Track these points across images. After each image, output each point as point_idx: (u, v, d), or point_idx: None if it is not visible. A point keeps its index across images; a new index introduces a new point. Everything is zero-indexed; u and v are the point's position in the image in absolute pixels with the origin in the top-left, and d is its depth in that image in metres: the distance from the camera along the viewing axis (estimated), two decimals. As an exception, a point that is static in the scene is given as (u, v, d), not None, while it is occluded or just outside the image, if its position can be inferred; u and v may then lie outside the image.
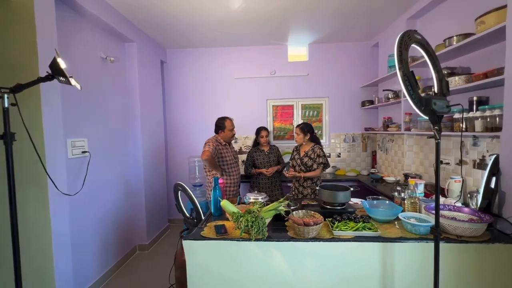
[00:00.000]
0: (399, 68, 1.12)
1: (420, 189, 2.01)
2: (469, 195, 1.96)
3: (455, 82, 1.95)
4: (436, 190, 1.22)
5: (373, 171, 3.50)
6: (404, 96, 2.59)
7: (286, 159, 3.61)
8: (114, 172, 2.73)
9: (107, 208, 2.59)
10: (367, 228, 1.52)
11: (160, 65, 3.69)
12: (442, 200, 2.01)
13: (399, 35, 1.18)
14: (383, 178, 3.13)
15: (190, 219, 2.13)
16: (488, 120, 1.71)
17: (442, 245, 1.43)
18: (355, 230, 1.51)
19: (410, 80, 1.11)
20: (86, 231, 2.29)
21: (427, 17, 2.70)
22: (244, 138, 3.88)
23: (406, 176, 2.80)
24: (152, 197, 3.32)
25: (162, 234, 3.57)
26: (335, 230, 1.51)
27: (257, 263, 1.50)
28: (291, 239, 1.49)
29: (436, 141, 1.20)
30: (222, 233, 1.55)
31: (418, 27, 2.81)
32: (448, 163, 2.36)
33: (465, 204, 1.96)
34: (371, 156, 3.78)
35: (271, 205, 1.63)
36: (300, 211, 1.68)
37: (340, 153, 3.84)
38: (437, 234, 1.23)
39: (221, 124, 2.56)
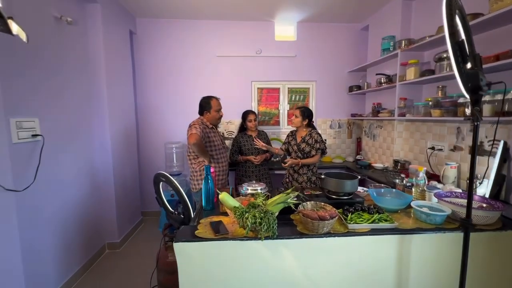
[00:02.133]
0: (451, 34, 0.94)
1: (421, 176, 1.95)
2: (467, 181, 1.95)
3: (461, 65, 1.87)
4: (470, 178, 1.10)
5: (359, 158, 3.47)
6: (401, 80, 2.50)
7: (276, 145, 3.42)
8: (77, 160, 2.28)
9: (68, 204, 2.16)
10: (383, 220, 1.39)
11: (129, 36, 3.16)
12: (440, 186, 1.97)
13: (446, -3, 0.98)
14: (371, 164, 3.10)
15: (175, 214, 1.84)
16: (496, 104, 1.66)
17: (459, 234, 1.36)
18: (371, 223, 1.37)
19: (462, 49, 0.94)
20: (42, 234, 1.86)
21: (423, -2, 2.60)
22: (226, 122, 3.57)
23: (396, 162, 2.78)
24: (123, 188, 2.91)
25: (135, 229, 3.19)
26: (349, 223, 1.35)
27: (265, 264, 1.29)
28: (302, 235, 1.30)
29: (475, 124, 1.07)
30: (222, 232, 1.30)
31: (414, 9, 2.71)
32: (441, 149, 2.36)
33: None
34: (356, 142, 3.75)
35: (277, 197, 1.41)
36: (308, 202, 1.49)
37: (326, 140, 3.75)
38: (468, 226, 1.12)
39: (207, 104, 2.24)
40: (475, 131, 1.08)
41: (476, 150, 1.08)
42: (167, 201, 1.91)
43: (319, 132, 2.45)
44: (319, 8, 3.14)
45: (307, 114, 2.38)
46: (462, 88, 1.02)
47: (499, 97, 1.63)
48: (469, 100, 1.77)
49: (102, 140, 2.62)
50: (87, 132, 2.46)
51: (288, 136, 2.57)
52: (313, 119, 2.50)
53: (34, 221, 1.79)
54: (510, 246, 1.39)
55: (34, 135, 1.77)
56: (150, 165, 3.56)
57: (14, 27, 0.81)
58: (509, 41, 1.69)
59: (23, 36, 0.83)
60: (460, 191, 1.74)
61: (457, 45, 0.94)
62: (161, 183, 1.83)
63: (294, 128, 2.52)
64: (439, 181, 2.17)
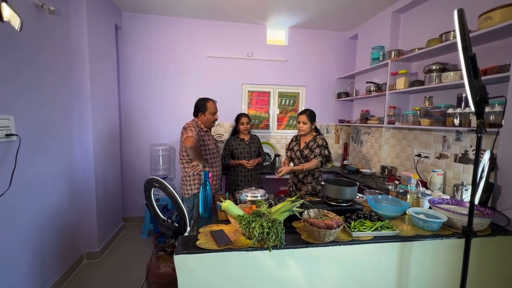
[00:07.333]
0: (464, 48, 0.96)
1: (413, 182, 2.02)
2: (455, 188, 2.05)
3: (451, 77, 1.97)
4: (472, 187, 1.14)
5: (347, 163, 3.54)
6: (391, 89, 2.59)
7: (265, 149, 3.40)
8: (55, 162, 2.08)
9: (45, 210, 1.96)
10: (385, 227, 1.40)
11: (114, 31, 2.97)
12: (429, 192, 2.05)
13: (456, 11, 1.01)
14: (359, 170, 3.17)
15: (167, 222, 1.73)
16: (484, 116, 1.75)
17: (454, 241, 1.41)
18: (374, 230, 1.38)
19: (474, 63, 0.97)
20: (13, 243, 1.67)
21: (411, 13, 2.72)
22: (216, 125, 3.48)
23: (384, 168, 2.86)
24: (104, 193, 2.71)
25: (115, 236, 2.98)
26: (353, 231, 1.35)
27: (270, 275, 1.24)
28: (308, 244, 1.27)
29: (479, 135, 1.11)
30: (225, 242, 1.23)
31: (402, 22, 2.83)
32: (427, 157, 2.46)
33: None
34: (343, 148, 3.83)
35: (282, 205, 1.38)
36: (311, 210, 1.47)
37: (314, 144, 3.78)
38: (470, 234, 1.15)
39: (202, 106, 2.16)
40: (478, 142, 1.12)
41: (478, 160, 1.11)
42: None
43: (324, 137, 2.30)
44: (310, 15, 3.18)
45: (313, 117, 2.25)
46: (470, 101, 1.05)
47: (487, 109, 1.73)
48: (470, 112, 1.86)
49: (83, 141, 2.42)
50: (68, 131, 2.26)
51: (291, 141, 2.43)
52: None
53: (6, 229, 1.59)
54: (499, 251, 1.47)
55: (8, 135, 1.58)
56: (133, 168, 3.37)
57: (5, 11, 0.69)
58: (494, 57, 1.80)
59: (16, 23, 0.71)
60: (449, 197, 1.82)
61: (470, 59, 0.96)
62: (153, 189, 1.71)
63: (296, 132, 2.43)
64: (426, 187, 2.27)
